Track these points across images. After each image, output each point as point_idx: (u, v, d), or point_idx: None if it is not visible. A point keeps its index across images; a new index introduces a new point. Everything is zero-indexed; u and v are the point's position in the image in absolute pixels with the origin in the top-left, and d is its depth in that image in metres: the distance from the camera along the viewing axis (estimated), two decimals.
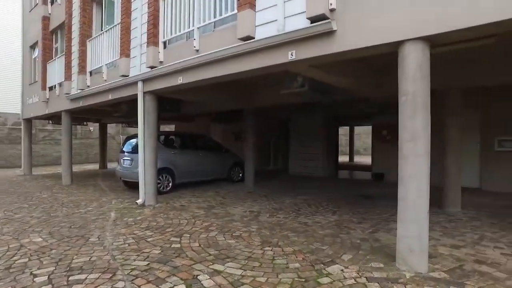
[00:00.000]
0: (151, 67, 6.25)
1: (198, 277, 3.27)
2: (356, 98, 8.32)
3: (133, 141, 8.42)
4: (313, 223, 5.33)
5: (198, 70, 5.49)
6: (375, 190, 8.72)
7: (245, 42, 4.67)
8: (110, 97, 7.80)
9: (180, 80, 5.83)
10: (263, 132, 14.37)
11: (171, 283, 3.14)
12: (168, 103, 10.28)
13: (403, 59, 3.45)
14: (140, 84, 6.61)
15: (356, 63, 5.45)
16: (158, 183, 7.89)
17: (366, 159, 23.55)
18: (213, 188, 9.11)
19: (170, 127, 19.24)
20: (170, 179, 8.39)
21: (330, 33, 3.83)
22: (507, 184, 8.60)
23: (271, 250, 4.05)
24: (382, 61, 5.28)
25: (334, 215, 5.89)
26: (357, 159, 22.76)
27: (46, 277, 3.27)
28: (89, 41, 8.78)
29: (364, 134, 29.30)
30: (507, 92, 8.54)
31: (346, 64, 5.07)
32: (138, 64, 6.82)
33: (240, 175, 10.57)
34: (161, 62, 6.20)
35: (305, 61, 4.26)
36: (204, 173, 9.50)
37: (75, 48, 9.25)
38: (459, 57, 5.51)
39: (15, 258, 3.82)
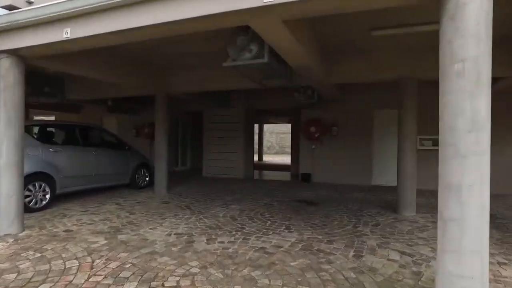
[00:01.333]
0: (9, 8, 3.82)
1: None
2: (296, 86, 7.19)
3: None
4: (274, 249, 3.83)
5: (100, 17, 3.42)
6: (310, 194, 7.74)
7: None
8: None
9: (66, 33, 3.62)
10: (170, 127, 12.25)
11: None
12: (46, 83, 7.51)
13: (463, 5, 2.23)
14: None
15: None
16: (28, 196, 5.31)
17: (274, 158, 23.39)
18: (113, 199, 6.79)
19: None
20: (48, 189, 5.79)
21: None
22: (429, 182, 8.66)
23: None
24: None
25: (292, 233, 4.51)
26: (264, 158, 22.30)
27: None
28: None
29: (267, 132, 29.29)
30: (425, 89, 8.60)
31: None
32: None
33: (147, 179, 8.41)
34: (29, 1, 3.83)
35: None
36: (99, 178, 7.06)
37: None
38: None
39: None
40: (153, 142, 11.89)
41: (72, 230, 4.43)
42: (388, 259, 3.56)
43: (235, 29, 3.94)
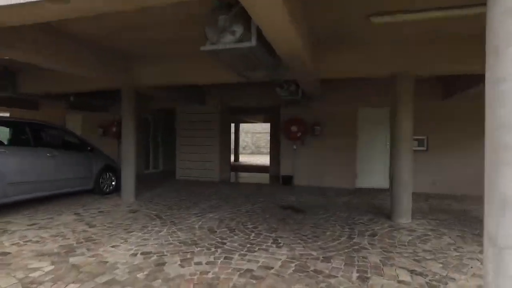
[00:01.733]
0: None
1: None
2: (279, 81, 6.58)
3: None
4: (262, 271, 3.18)
5: None
6: (293, 198, 7.16)
7: None
8: None
9: None
10: (140, 125, 11.34)
11: None
12: None
13: None
14: None
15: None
16: None
17: (250, 158, 22.71)
18: (72, 208, 5.89)
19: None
20: None
21: None
22: (416, 183, 8.33)
23: None
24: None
25: (281, 248, 3.88)
26: (240, 158, 21.65)
27: None
28: None
29: (243, 132, 28.65)
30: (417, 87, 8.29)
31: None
32: None
33: (114, 183, 7.52)
34: None
35: None
36: (56, 184, 6.12)
37: None
38: None
39: None
40: (120, 142, 10.95)
41: (9, 253, 3.55)
42: (399, 281, 3.01)
43: (216, 6, 3.25)
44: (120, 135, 10.88)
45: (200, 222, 4.99)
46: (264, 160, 22.00)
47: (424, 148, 8.49)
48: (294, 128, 8.86)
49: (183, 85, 8.69)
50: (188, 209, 5.94)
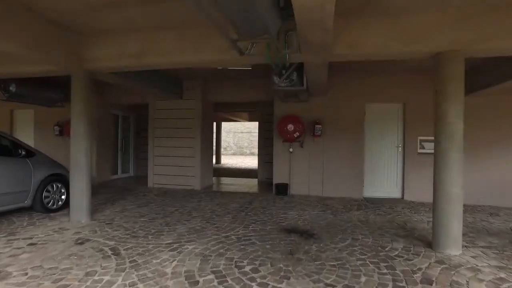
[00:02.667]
0: None
1: None
2: (277, 68, 5.12)
3: None
4: None
5: None
6: (295, 215, 5.71)
7: None
8: None
9: None
10: (107, 124, 9.60)
11: None
12: None
13: None
14: None
15: None
16: None
17: (233, 160, 21.09)
18: None
19: None
20: None
21: None
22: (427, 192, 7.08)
23: None
24: None
25: None
26: (222, 159, 20.14)
27: None
28: None
29: (224, 131, 27.06)
30: (425, 81, 7.03)
31: None
32: None
33: (63, 197, 5.83)
34: None
35: None
36: None
37: None
38: None
39: None
40: None
41: None
42: None
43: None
44: None
45: (175, 263, 3.43)
46: (248, 161, 20.51)
47: None
48: (290, 127, 7.41)
49: (156, 74, 7.08)
50: (159, 236, 4.37)
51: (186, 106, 8.44)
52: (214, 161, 18.11)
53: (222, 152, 23.20)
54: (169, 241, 4.14)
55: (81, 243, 4.02)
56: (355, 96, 7.44)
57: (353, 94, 7.44)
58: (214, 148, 18.38)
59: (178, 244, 4.02)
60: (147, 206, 6.28)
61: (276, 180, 7.83)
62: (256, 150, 27.48)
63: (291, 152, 7.70)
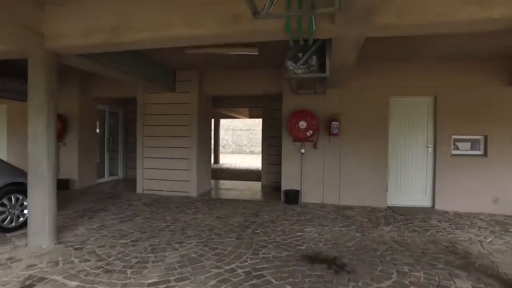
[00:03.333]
0: None
1: None
2: (293, 50, 4.02)
3: None
4: None
5: None
6: (313, 232, 4.63)
7: None
8: None
9: None
10: (92, 120, 8.48)
11: None
12: None
13: None
14: None
15: None
16: None
17: (232, 159, 19.93)
18: None
19: None
20: None
21: None
22: (463, 201, 6.03)
23: None
24: None
25: None
26: (221, 158, 19.04)
27: None
28: None
29: (222, 129, 25.93)
30: (461, 70, 5.96)
31: None
32: None
33: (26, 212, 4.70)
34: None
35: None
36: None
37: None
38: None
39: None
40: (61, 143, 8.10)
41: None
42: None
43: None
44: (62, 133, 8.04)
45: None
46: (248, 160, 19.38)
47: (481, 153, 6.19)
48: (302, 125, 6.32)
49: (143, 61, 5.96)
50: (141, 269, 3.27)
51: (180, 100, 7.31)
52: (212, 160, 17.01)
53: (220, 151, 22.06)
54: (153, 280, 3.05)
55: (31, 285, 2.91)
56: (378, 88, 6.35)
57: (375, 86, 6.35)
58: (212, 147, 17.28)
59: (165, 286, 2.93)
60: (132, 220, 5.17)
61: (286, 185, 6.73)
62: (255, 149, 26.37)
63: (303, 154, 6.60)
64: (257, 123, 25.10)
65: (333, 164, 6.53)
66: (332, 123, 6.31)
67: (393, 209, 6.13)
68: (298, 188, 6.62)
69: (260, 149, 23.33)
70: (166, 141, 7.40)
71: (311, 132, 6.33)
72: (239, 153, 26.76)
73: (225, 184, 9.47)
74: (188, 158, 7.28)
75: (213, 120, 16.97)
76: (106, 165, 9.45)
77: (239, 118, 15.63)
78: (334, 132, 6.33)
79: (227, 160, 19.80)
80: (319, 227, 4.88)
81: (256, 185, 9.16)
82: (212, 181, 9.51)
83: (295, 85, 5.65)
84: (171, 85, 7.19)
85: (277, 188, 8.15)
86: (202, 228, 4.79)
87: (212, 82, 7.38)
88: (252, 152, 26.38)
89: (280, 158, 8.78)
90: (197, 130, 7.22)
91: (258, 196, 7.57)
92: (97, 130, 9.03)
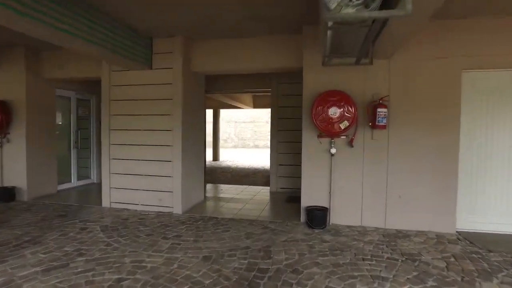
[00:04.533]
0: None
1: None
2: None
3: None
4: None
5: None
6: None
7: None
8: None
9: None
10: (49, 110, 6.50)
11: None
12: None
13: None
14: None
15: None
16: None
17: (234, 155, 17.80)
18: None
19: None
20: None
21: None
22: None
23: None
24: None
25: None
26: (221, 155, 17.10)
27: None
28: None
29: (223, 121, 23.96)
30: None
31: None
32: None
33: None
34: None
35: None
36: None
37: None
38: None
39: None
40: (3, 140, 6.14)
41: None
42: None
43: None
44: (3, 125, 6.06)
45: None
46: (252, 156, 17.33)
47: None
48: (334, 112, 4.28)
49: (101, 21, 3.94)
50: None
51: (159, 80, 5.29)
52: (211, 158, 15.01)
53: (222, 145, 19.98)
54: None
55: None
56: (444, 58, 4.28)
57: (440, 54, 4.28)
58: (211, 141, 15.27)
59: None
60: (66, 267, 3.18)
61: (307, 200, 4.70)
62: (260, 142, 24.31)
63: (333, 155, 4.56)
64: (263, 114, 23.02)
65: (377, 170, 4.49)
66: (378, 110, 4.26)
67: (468, 238, 4.12)
68: (325, 205, 4.60)
69: (265, 143, 21.33)
70: (140, 136, 5.39)
71: (347, 124, 4.30)
72: (242, 147, 24.75)
73: (223, 190, 7.47)
74: (170, 160, 5.27)
75: (212, 111, 14.97)
76: (73, 166, 7.46)
77: (242, 108, 13.57)
78: (380, 123, 4.28)
79: (229, 156, 17.80)
80: (375, 283, 2.87)
81: (264, 193, 7.13)
82: (208, 186, 7.54)
83: (328, 49, 3.57)
84: (146, 59, 5.16)
85: (291, 199, 6.17)
86: (180, 287, 2.80)
87: (204, 54, 5.34)
88: (256, 146, 24.39)
89: (294, 158, 6.81)
90: (182, 121, 5.19)
91: (267, 211, 5.57)
92: (60, 122, 7.04)
